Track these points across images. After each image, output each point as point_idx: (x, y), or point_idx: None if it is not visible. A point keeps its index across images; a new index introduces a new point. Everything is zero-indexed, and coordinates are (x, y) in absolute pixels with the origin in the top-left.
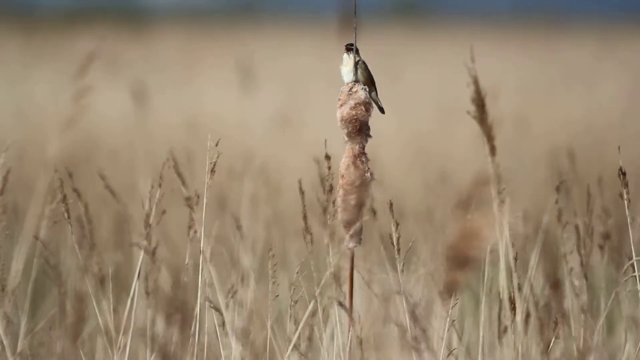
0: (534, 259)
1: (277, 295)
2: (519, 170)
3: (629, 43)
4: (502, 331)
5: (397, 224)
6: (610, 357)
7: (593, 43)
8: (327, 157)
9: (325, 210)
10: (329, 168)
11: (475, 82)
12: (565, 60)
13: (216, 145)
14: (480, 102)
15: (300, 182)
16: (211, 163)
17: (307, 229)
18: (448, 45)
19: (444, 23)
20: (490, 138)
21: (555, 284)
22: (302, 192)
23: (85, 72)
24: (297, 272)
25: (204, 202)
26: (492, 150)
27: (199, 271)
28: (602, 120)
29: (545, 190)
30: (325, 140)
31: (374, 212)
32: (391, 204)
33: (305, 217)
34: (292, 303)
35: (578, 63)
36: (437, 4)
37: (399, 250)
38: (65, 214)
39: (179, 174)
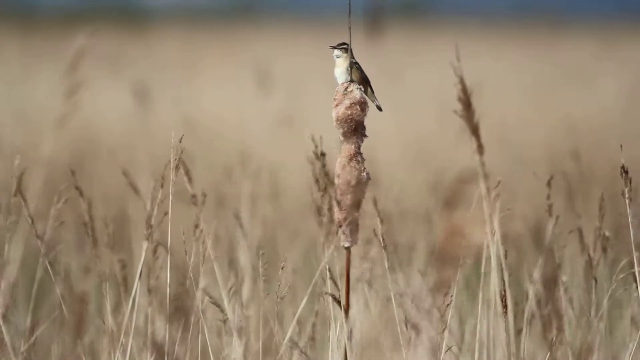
0: (534, 259)
1: (280, 297)
2: (519, 170)
3: (629, 43)
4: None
5: (382, 220)
6: (612, 357)
7: (593, 43)
8: (323, 155)
9: (320, 208)
10: (324, 166)
11: (462, 81)
12: (565, 60)
13: (180, 141)
14: (466, 101)
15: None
16: (175, 160)
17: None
18: (448, 46)
19: (445, 23)
20: (477, 136)
21: (552, 284)
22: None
23: (75, 69)
24: (264, 265)
25: (170, 199)
26: (480, 148)
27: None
28: (602, 119)
29: (545, 190)
30: (321, 137)
31: (378, 214)
32: (375, 201)
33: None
34: (279, 299)
35: (578, 63)
36: (437, 4)
37: (385, 247)
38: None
39: (186, 172)
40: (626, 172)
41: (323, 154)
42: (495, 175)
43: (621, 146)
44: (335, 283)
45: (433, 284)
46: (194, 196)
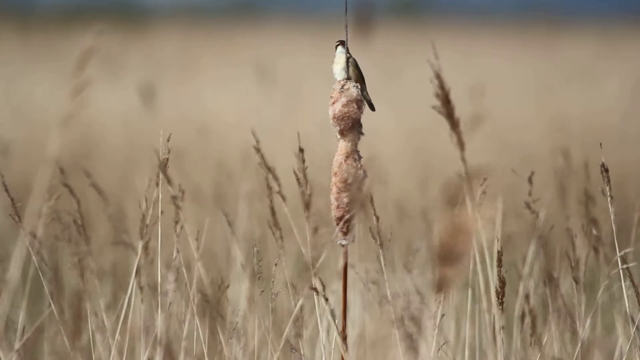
0: (530, 256)
1: (275, 294)
2: (518, 169)
3: (630, 42)
4: (498, 329)
5: (378, 217)
6: (608, 354)
7: (594, 42)
8: (301, 150)
9: (307, 204)
10: (304, 161)
11: (438, 77)
12: (566, 60)
13: (168, 140)
14: (444, 97)
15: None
16: (164, 158)
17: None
18: (448, 44)
19: (444, 22)
20: (457, 132)
21: (551, 281)
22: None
23: (83, 67)
24: (258, 262)
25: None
26: (461, 144)
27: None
28: (603, 119)
29: (544, 189)
30: (298, 134)
31: (374, 211)
32: (371, 197)
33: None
34: (273, 296)
35: (579, 62)
36: (437, 3)
37: (381, 244)
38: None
39: (164, 172)
40: (606, 170)
41: (301, 150)
42: (494, 174)
43: (601, 144)
44: (318, 277)
45: (434, 282)
46: (174, 197)
